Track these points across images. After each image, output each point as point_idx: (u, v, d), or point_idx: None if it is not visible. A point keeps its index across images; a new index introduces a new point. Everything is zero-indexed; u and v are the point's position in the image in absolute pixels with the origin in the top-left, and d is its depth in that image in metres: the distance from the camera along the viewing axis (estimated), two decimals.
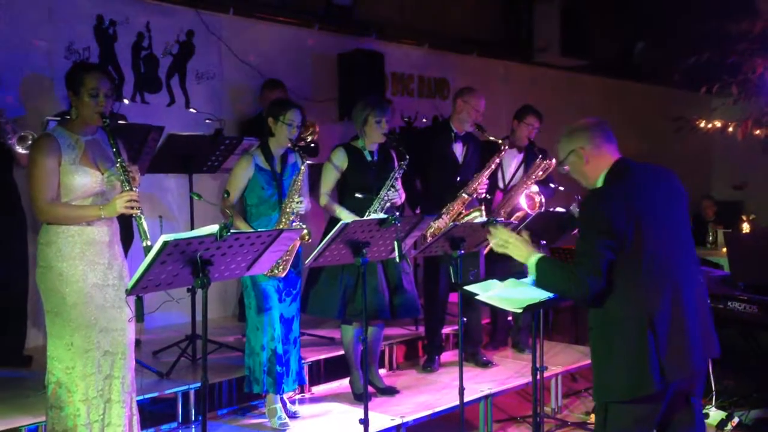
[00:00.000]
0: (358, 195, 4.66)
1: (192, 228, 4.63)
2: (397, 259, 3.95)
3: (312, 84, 7.08)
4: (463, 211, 5.23)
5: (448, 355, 5.80)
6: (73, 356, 3.35)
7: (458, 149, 5.42)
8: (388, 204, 4.59)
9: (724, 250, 6.07)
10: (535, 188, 5.54)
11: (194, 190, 4.37)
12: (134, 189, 3.35)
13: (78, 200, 3.37)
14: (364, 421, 3.80)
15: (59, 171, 3.32)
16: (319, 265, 4.00)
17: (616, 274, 2.89)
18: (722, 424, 4.78)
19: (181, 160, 4.96)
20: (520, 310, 3.36)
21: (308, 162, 4.38)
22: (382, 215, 3.98)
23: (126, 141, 3.77)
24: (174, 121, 5.69)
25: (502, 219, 5.11)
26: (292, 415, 4.48)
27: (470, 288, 3.54)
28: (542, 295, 3.22)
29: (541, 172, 5.56)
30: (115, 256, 3.49)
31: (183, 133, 4.97)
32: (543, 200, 5.50)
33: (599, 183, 3.05)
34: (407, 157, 4.60)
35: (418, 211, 5.35)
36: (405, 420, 4.43)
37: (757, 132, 8.54)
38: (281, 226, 4.17)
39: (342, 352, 4.97)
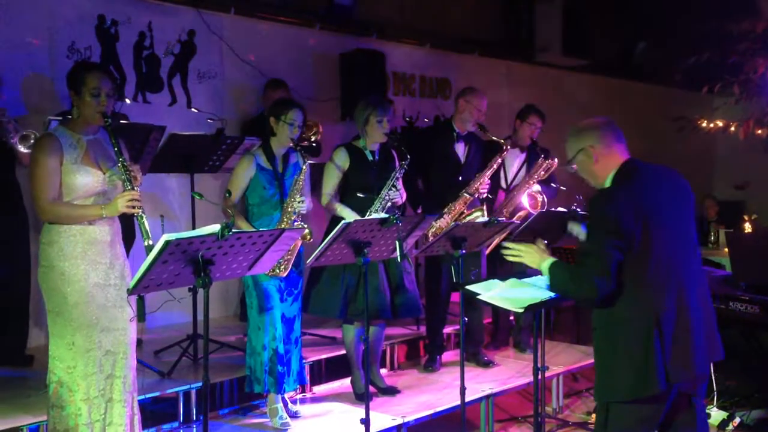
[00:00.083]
0: (359, 195, 4.66)
1: (193, 227, 4.62)
2: (399, 259, 3.95)
3: (314, 84, 7.08)
4: (465, 211, 5.23)
5: (450, 355, 5.79)
6: (74, 356, 3.35)
7: (460, 149, 5.42)
8: (389, 204, 4.59)
9: (726, 250, 6.06)
10: (537, 188, 5.54)
11: (196, 189, 4.37)
12: (136, 188, 3.35)
13: (80, 200, 3.37)
14: (366, 421, 3.80)
15: (61, 170, 3.33)
16: (321, 264, 3.99)
17: (623, 274, 2.88)
18: (724, 424, 4.78)
19: (182, 160, 4.96)
20: (521, 310, 3.36)
21: (310, 162, 4.39)
22: (383, 215, 3.98)
23: (127, 140, 3.76)
24: (175, 121, 5.70)
25: (504, 219, 5.11)
26: (294, 415, 4.49)
27: (472, 288, 3.54)
28: (543, 294, 3.22)
29: (543, 172, 5.56)
30: (117, 256, 3.50)
31: (184, 133, 4.97)
32: (545, 200, 5.50)
33: (607, 183, 3.03)
34: (408, 156, 4.59)
35: (419, 211, 5.36)
36: (406, 420, 4.43)
37: (759, 132, 8.52)
38: (283, 226, 4.17)
39: (343, 352, 4.97)
